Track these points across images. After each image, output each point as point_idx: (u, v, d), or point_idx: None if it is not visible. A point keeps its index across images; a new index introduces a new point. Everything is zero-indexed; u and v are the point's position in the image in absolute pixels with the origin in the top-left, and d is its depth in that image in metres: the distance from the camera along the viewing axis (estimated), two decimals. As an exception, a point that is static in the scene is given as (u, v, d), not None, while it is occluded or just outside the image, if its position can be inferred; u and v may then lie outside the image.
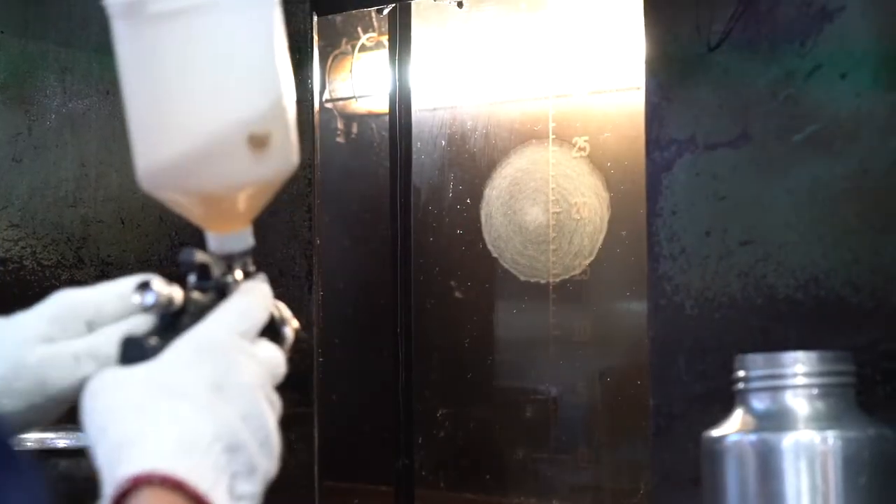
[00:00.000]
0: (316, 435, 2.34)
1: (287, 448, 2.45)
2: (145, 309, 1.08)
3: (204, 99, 1.09)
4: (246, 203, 1.16)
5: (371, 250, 2.86)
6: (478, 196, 2.73)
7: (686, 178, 1.94)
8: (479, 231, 2.73)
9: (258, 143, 1.10)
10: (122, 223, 2.55)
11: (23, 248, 2.62)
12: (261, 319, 1.08)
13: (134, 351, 1.03)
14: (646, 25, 1.99)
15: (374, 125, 2.95)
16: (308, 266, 2.33)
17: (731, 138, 1.91)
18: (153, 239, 2.47)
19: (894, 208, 1.78)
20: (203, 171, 1.10)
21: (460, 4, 2.65)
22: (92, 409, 0.90)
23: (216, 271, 1.14)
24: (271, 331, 1.17)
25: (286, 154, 1.15)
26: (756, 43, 1.88)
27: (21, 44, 2.65)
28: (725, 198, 1.92)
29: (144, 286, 1.08)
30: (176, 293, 1.09)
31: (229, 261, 1.16)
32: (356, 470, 2.76)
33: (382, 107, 2.81)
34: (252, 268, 1.18)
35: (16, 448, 0.67)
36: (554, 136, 2.47)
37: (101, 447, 0.87)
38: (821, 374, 1.67)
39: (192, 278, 1.13)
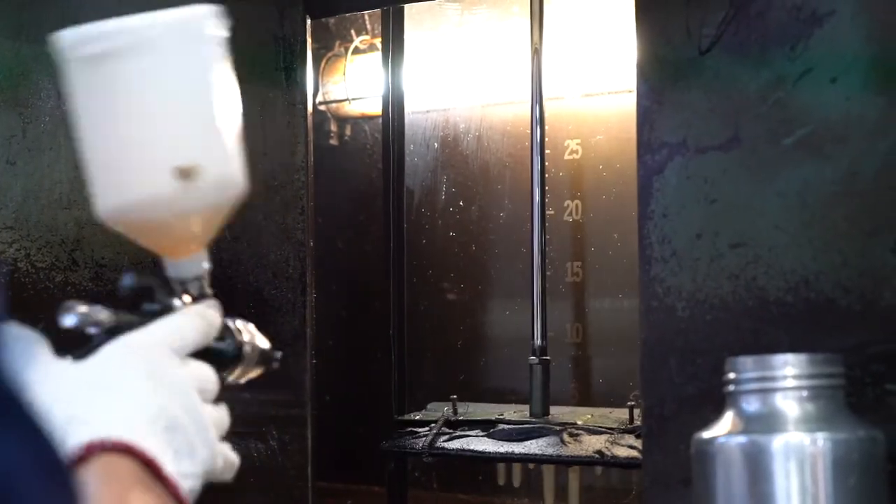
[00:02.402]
0: (309, 436, 2.35)
1: (280, 449, 2.46)
2: (68, 330, 1.12)
3: (129, 135, 1.13)
4: (191, 231, 1.19)
5: (364, 252, 2.87)
6: (470, 198, 2.74)
7: (677, 180, 1.95)
8: (471, 233, 2.74)
9: (186, 174, 1.13)
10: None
11: (17, 250, 2.63)
12: (193, 340, 1.11)
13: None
14: (637, 29, 2.00)
15: (367, 127, 2.96)
16: (301, 268, 2.34)
17: (722, 141, 1.92)
18: (147, 241, 2.47)
19: (883, 211, 1.80)
20: (135, 203, 1.14)
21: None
22: (46, 393, 0.94)
23: (160, 294, 1.19)
24: (220, 350, 1.20)
25: (223, 183, 1.18)
26: (746, 47, 1.89)
27: (15, 46, 2.65)
28: (716, 201, 1.93)
29: (67, 310, 1.12)
30: (102, 315, 1.13)
31: (183, 285, 1.20)
32: (349, 471, 2.77)
33: (375, 109, 2.82)
34: (208, 291, 1.21)
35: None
36: (546, 139, 2.48)
37: (51, 421, 0.90)
38: (811, 377, 1.68)
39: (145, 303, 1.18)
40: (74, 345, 1.12)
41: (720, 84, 1.92)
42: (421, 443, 2.42)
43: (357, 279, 2.87)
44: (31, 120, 2.64)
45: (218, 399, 1.14)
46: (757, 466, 1.65)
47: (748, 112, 1.89)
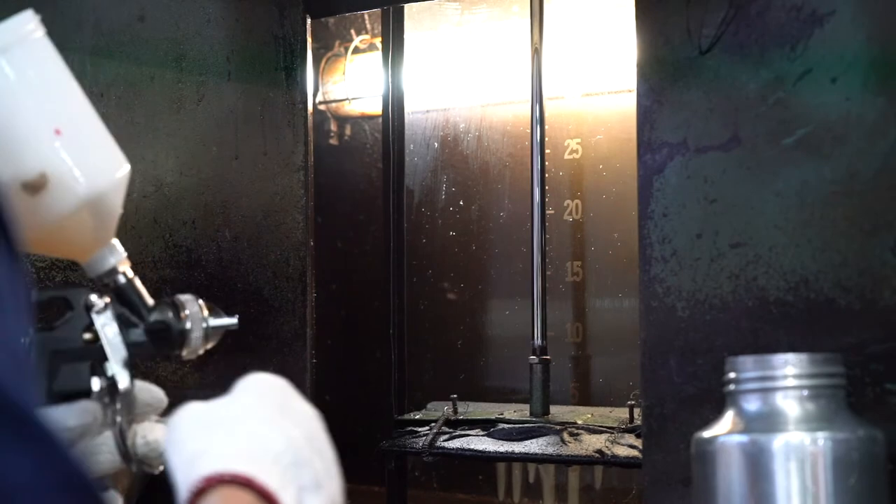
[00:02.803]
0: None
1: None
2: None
3: None
4: (78, 233, 1.17)
5: (364, 252, 2.88)
6: (470, 198, 2.74)
7: (677, 180, 1.96)
8: (471, 233, 2.74)
9: (34, 187, 1.11)
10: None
11: (17, 249, 2.63)
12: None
13: None
14: (637, 29, 2.00)
15: (367, 127, 2.96)
16: (301, 267, 2.34)
17: (722, 141, 1.92)
18: (147, 241, 2.47)
19: (883, 211, 1.80)
20: None
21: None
22: (171, 433, 0.96)
23: (75, 299, 1.20)
24: (164, 329, 1.23)
25: (79, 181, 1.15)
26: (746, 47, 1.90)
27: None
28: (716, 200, 1.93)
29: None
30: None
31: (102, 279, 1.22)
32: (349, 470, 2.77)
33: (375, 109, 2.82)
34: (130, 276, 1.23)
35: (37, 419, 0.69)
36: (546, 138, 2.49)
37: (176, 459, 0.93)
38: (811, 376, 1.68)
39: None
40: None
41: (720, 84, 1.92)
42: (421, 442, 2.42)
43: (357, 279, 2.87)
44: (32, 120, 2.63)
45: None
46: (757, 466, 1.65)
47: (748, 112, 1.89)
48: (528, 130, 2.48)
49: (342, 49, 2.91)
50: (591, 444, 2.26)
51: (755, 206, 1.89)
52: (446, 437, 2.41)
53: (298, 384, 2.57)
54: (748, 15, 1.89)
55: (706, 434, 1.71)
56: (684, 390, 1.93)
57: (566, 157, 2.60)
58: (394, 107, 2.66)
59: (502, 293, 2.71)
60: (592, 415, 2.39)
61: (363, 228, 2.89)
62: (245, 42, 2.41)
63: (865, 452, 1.64)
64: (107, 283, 1.22)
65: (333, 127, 2.99)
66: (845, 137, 1.82)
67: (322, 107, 2.95)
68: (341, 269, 2.89)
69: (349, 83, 2.89)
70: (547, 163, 2.49)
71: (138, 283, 1.25)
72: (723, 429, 1.70)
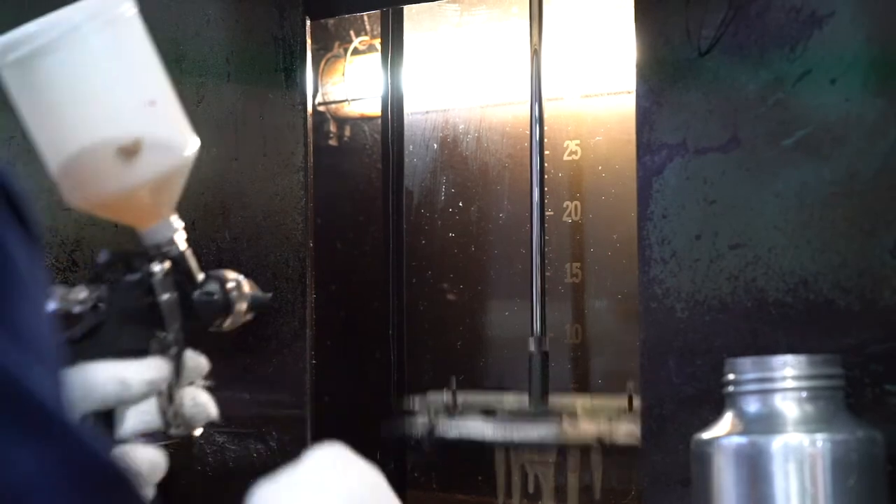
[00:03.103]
0: (309, 436, 2.35)
1: (280, 449, 2.46)
2: (54, 316, 1.19)
3: (71, 123, 1.21)
4: (151, 200, 1.27)
5: (363, 253, 2.87)
6: (470, 199, 2.74)
7: (676, 181, 1.96)
8: (470, 234, 2.74)
9: (129, 152, 1.21)
10: (116, 227, 2.55)
11: (16, 250, 2.63)
12: None
13: None
14: (636, 30, 2.00)
15: (366, 128, 2.96)
16: (301, 269, 2.34)
17: (722, 142, 1.92)
18: (146, 242, 2.47)
19: (882, 212, 1.80)
20: (91, 187, 1.22)
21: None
22: None
23: (137, 262, 1.28)
24: (209, 301, 1.31)
25: (164, 152, 1.25)
26: (746, 48, 1.90)
27: (15, 47, 2.65)
28: (715, 201, 1.93)
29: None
30: (80, 294, 1.23)
31: (159, 249, 1.29)
32: (349, 471, 2.76)
33: (375, 110, 2.82)
34: (184, 247, 1.31)
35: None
36: (545, 140, 2.49)
37: None
38: (810, 377, 1.68)
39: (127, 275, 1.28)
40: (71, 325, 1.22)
41: (719, 85, 1.92)
42: (419, 430, 2.41)
43: (356, 280, 2.87)
44: (31, 121, 2.63)
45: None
46: (756, 467, 1.65)
47: (747, 113, 1.90)
48: (528, 131, 2.48)
49: (342, 50, 2.91)
50: (591, 430, 2.27)
51: (754, 208, 1.89)
52: (444, 426, 2.42)
53: (298, 385, 2.59)
54: (747, 16, 1.89)
55: (705, 435, 1.72)
56: (683, 391, 1.94)
57: (565, 158, 2.60)
58: (393, 108, 2.66)
59: (502, 294, 2.71)
60: (591, 403, 2.39)
61: (362, 229, 2.88)
62: (245, 43, 2.41)
63: (864, 453, 1.64)
64: (163, 252, 1.29)
65: (333, 128, 2.99)
66: (845, 138, 1.82)
67: (321, 108, 2.95)
68: (341, 269, 2.89)
69: (349, 84, 2.89)
70: (546, 164, 2.49)
71: (190, 255, 1.32)
72: (722, 430, 1.70)
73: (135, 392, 1.24)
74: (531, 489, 2.55)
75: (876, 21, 1.81)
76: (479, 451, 2.58)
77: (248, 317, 1.38)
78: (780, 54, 1.87)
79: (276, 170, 2.37)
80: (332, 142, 2.99)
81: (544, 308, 2.42)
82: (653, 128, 1.97)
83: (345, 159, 2.95)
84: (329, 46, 2.94)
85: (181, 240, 1.31)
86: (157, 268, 1.28)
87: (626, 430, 2.22)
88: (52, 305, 1.15)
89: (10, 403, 0.66)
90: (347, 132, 2.99)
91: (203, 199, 2.44)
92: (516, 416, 2.35)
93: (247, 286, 1.38)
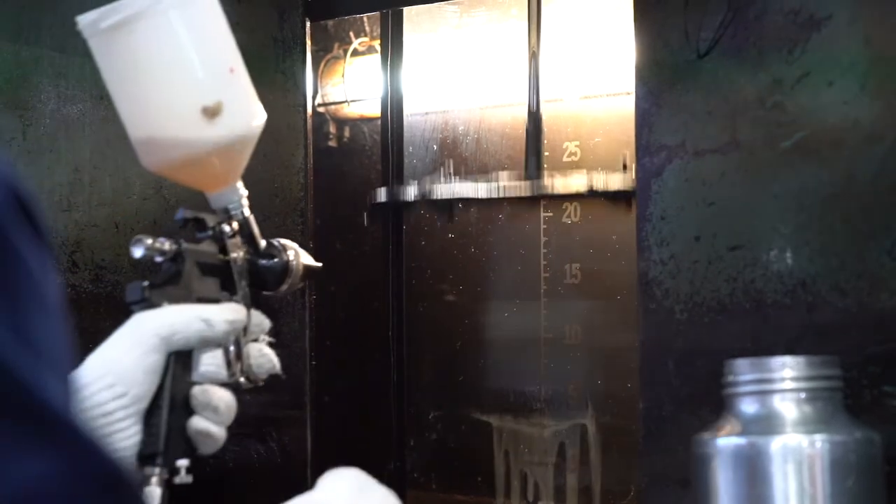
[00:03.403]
0: (309, 437, 2.36)
1: (280, 450, 2.46)
2: (138, 260, 1.34)
3: (157, 87, 1.32)
4: (225, 163, 1.37)
5: (363, 254, 2.88)
6: (468, 199, 2.75)
7: (675, 183, 1.96)
8: (470, 234, 2.75)
9: (212, 113, 1.31)
10: (116, 227, 2.56)
11: (17, 251, 2.64)
12: None
13: (133, 293, 1.31)
14: (636, 32, 2.00)
15: (366, 129, 2.96)
16: (301, 270, 2.34)
17: (720, 144, 1.93)
18: (147, 243, 2.47)
19: (880, 214, 1.81)
20: (173, 147, 1.32)
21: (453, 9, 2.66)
22: None
23: (211, 222, 1.40)
24: (270, 267, 1.44)
25: (240, 116, 1.35)
26: (744, 50, 1.90)
27: (15, 49, 2.66)
28: (714, 203, 1.94)
29: (136, 242, 1.33)
30: (167, 245, 1.34)
31: (227, 213, 1.41)
32: (348, 472, 2.77)
33: (374, 111, 2.82)
34: (248, 214, 1.43)
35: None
36: (545, 141, 2.49)
37: None
38: (808, 379, 1.69)
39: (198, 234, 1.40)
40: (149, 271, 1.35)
41: (718, 87, 1.93)
42: (413, 191, 2.55)
43: (356, 281, 2.88)
44: (31, 122, 2.65)
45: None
46: (755, 468, 1.66)
47: (746, 115, 1.90)
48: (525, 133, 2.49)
49: (341, 51, 2.91)
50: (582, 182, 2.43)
51: (753, 209, 1.90)
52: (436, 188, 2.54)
53: (297, 386, 2.59)
54: (746, 18, 1.90)
55: (704, 436, 1.72)
56: (682, 392, 1.94)
57: (565, 159, 2.61)
58: (393, 109, 2.66)
59: (501, 295, 2.71)
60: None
61: (362, 230, 2.89)
62: (244, 44, 2.40)
63: (863, 454, 1.65)
64: (231, 216, 1.41)
65: (332, 129, 3.00)
66: (843, 141, 1.83)
67: (321, 109, 2.95)
68: (340, 271, 2.89)
69: (348, 85, 2.89)
70: (545, 165, 2.49)
71: (253, 220, 1.44)
72: (721, 431, 1.71)
73: (217, 331, 1.33)
74: (530, 490, 2.55)
75: (873, 24, 1.81)
76: (478, 451, 2.59)
77: (301, 284, 1.51)
78: (779, 57, 1.87)
79: (276, 171, 2.37)
80: (332, 143, 2.99)
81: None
82: (652, 129, 1.98)
83: (344, 160, 2.95)
84: (329, 48, 2.95)
85: (246, 206, 1.43)
86: (228, 227, 1.40)
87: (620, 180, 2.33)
88: (138, 252, 1.32)
89: (18, 409, 0.67)
90: (347, 133, 2.99)
91: (203, 199, 2.44)
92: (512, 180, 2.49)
93: (302, 255, 1.50)
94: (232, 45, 1.37)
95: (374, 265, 2.71)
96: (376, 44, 2.79)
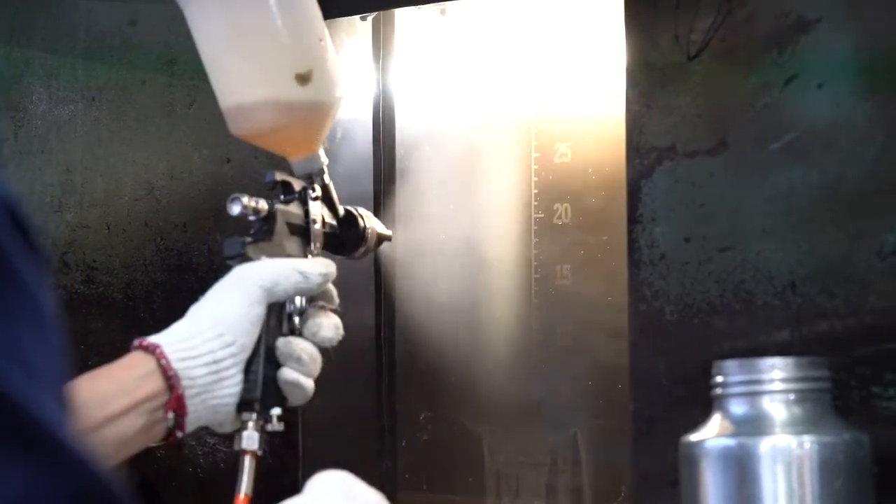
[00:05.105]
0: (300, 439, 2.36)
1: (272, 452, 2.47)
2: (234, 217, 1.45)
3: (254, 53, 1.41)
4: (310, 129, 1.48)
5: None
6: (460, 201, 2.75)
7: (665, 185, 1.97)
8: (462, 236, 2.75)
9: (303, 79, 1.42)
10: (108, 228, 2.56)
11: (8, 252, 2.64)
12: None
13: (232, 248, 1.43)
14: (626, 34, 2.01)
15: (357, 130, 2.96)
16: (292, 271, 2.35)
17: (710, 146, 1.94)
18: (138, 244, 2.48)
19: (870, 216, 1.81)
20: (266, 109, 1.42)
21: (443, 11, 2.67)
22: None
23: (297, 186, 1.49)
24: (349, 235, 1.60)
25: (328, 84, 1.46)
26: (734, 52, 1.91)
27: (6, 50, 2.66)
28: (704, 205, 1.94)
29: (233, 200, 1.44)
30: (262, 204, 1.44)
31: (309, 179, 1.51)
32: (340, 473, 2.77)
33: (366, 112, 2.82)
34: (329, 181, 1.53)
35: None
36: (536, 142, 2.49)
37: None
38: (797, 380, 1.69)
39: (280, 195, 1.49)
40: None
41: (708, 89, 1.93)
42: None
43: (347, 282, 2.88)
44: (23, 123, 2.65)
45: None
46: (744, 469, 1.66)
47: (736, 117, 1.91)
48: (518, 134, 2.49)
49: (333, 52, 2.92)
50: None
51: (743, 211, 1.90)
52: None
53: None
54: (736, 20, 1.91)
55: (693, 437, 1.73)
56: (672, 393, 1.95)
57: (556, 160, 2.61)
58: (384, 110, 2.67)
59: (492, 297, 2.72)
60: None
61: (354, 231, 2.89)
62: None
63: (851, 456, 1.66)
64: (312, 182, 1.51)
65: (324, 130, 3.00)
66: (832, 143, 1.83)
67: (313, 110, 2.95)
68: (332, 271, 2.90)
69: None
70: (536, 166, 2.50)
71: (333, 186, 1.54)
72: (710, 432, 1.71)
73: (312, 283, 1.44)
74: (521, 491, 2.56)
75: (863, 26, 1.82)
76: (469, 452, 2.59)
77: (374, 249, 1.65)
78: (769, 59, 1.88)
79: (268, 170, 2.37)
80: (324, 143, 2.99)
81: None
82: (642, 131, 1.98)
83: (336, 162, 2.95)
84: (320, 49, 2.95)
85: (327, 173, 1.53)
86: (311, 192, 1.49)
87: None
88: (235, 209, 1.43)
89: (9, 426, 0.66)
90: (339, 135, 2.99)
91: (194, 201, 2.44)
92: None
93: (376, 223, 1.63)
94: (319, 17, 1.47)
95: (366, 267, 2.71)
96: (368, 45, 2.79)
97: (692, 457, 1.72)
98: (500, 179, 2.70)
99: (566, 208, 2.61)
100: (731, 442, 1.68)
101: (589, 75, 2.57)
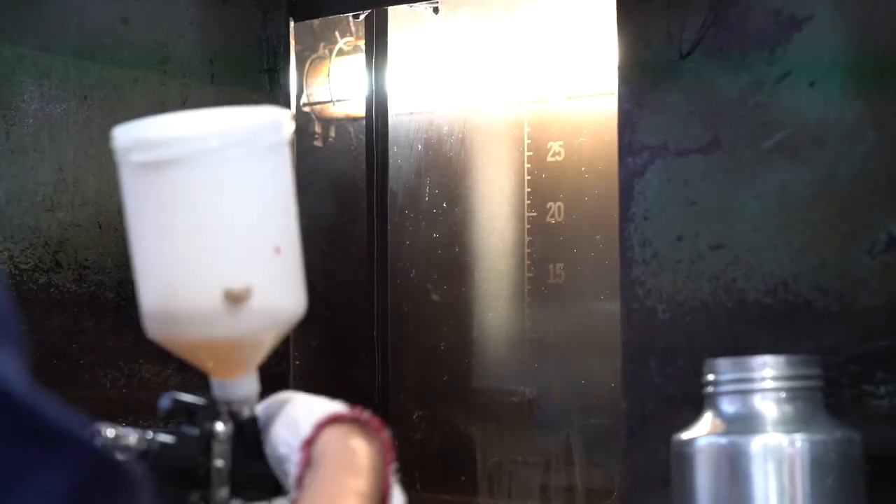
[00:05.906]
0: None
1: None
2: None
3: (176, 250, 1.04)
4: (240, 354, 1.11)
5: (348, 253, 2.88)
6: (454, 200, 2.75)
7: (658, 183, 1.97)
8: (454, 234, 2.75)
9: (236, 298, 1.04)
10: (100, 227, 2.56)
11: (0, 252, 2.63)
12: None
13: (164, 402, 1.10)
14: (618, 33, 2.01)
15: (351, 129, 2.96)
16: (285, 270, 2.34)
17: (702, 144, 1.93)
18: (131, 243, 2.47)
19: (860, 214, 1.81)
20: (183, 321, 1.05)
21: (436, 10, 2.67)
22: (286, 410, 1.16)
23: (201, 417, 1.11)
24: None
25: (276, 310, 1.08)
26: (726, 51, 1.91)
27: (-1, 48, 2.65)
28: (696, 203, 1.94)
29: (93, 433, 1.05)
30: (131, 438, 1.07)
31: (229, 406, 1.13)
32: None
33: (359, 111, 2.82)
34: (248, 413, 1.14)
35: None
36: (529, 141, 2.49)
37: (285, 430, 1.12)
38: (789, 378, 1.69)
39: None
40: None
41: (700, 87, 1.93)
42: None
43: (341, 280, 2.88)
44: (15, 122, 2.64)
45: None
46: (736, 467, 1.66)
47: (728, 115, 1.91)
48: (512, 133, 2.49)
49: (326, 51, 2.92)
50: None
51: (735, 209, 1.90)
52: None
53: (280, 387, 2.57)
54: (728, 19, 1.91)
55: (685, 436, 1.72)
56: (664, 391, 1.95)
57: (549, 159, 2.61)
58: (378, 109, 2.66)
59: (485, 295, 2.72)
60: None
61: (347, 230, 2.89)
62: (228, 44, 2.41)
63: (842, 454, 1.66)
64: (233, 412, 1.13)
65: (318, 129, 3.00)
66: (824, 141, 1.83)
67: (306, 109, 2.95)
68: (325, 270, 2.90)
69: (333, 85, 2.89)
70: (529, 165, 2.50)
71: (260, 419, 1.17)
72: (702, 430, 1.71)
73: None
74: (514, 489, 2.56)
75: (854, 24, 1.82)
76: (462, 451, 2.59)
77: None
78: (760, 57, 1.88)
79: (261, 171, 2.37)
80: (317, 143, 3.00)
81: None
82: (634, 129, 1.98)
83: (329, 160, 2.95)
84: (314, 47, 2.95)
85: (254, 403, 1.15)
86: (221, 428, 1.12)
87: None
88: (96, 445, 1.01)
89: (26, 430, 0.66)
90: (332, 133, 2.99)
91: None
92: None
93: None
94: (288, 215, 1.09)
95: (359, 265, 2.71)
96: (361, 43, 2.79)
97: (684, 455, 1.72)
98: (493, 178, 2.71)
99: (559, 207, 2.61)
100: (722, 440, 1.68)
101: (581, 74, 2.57)
